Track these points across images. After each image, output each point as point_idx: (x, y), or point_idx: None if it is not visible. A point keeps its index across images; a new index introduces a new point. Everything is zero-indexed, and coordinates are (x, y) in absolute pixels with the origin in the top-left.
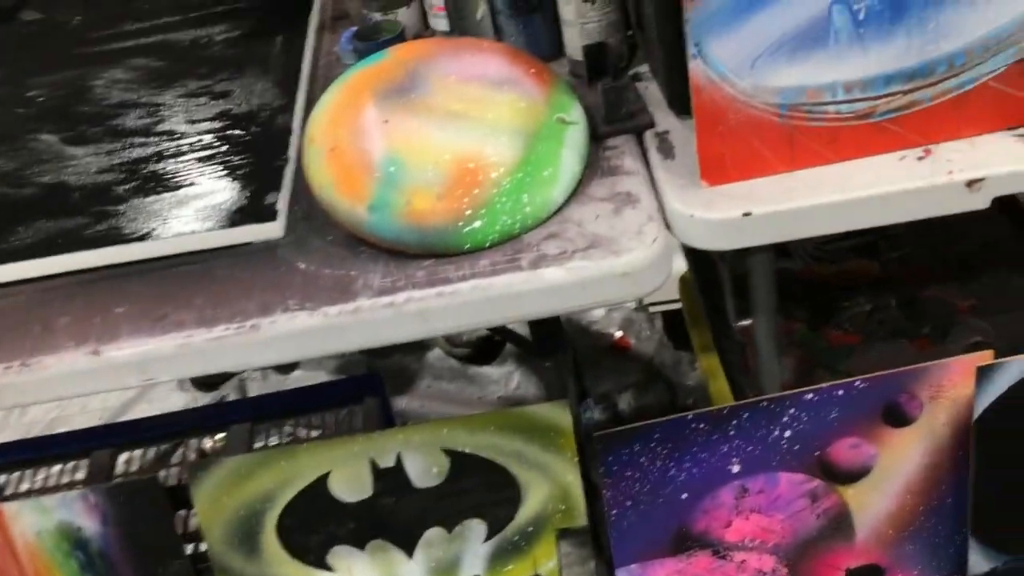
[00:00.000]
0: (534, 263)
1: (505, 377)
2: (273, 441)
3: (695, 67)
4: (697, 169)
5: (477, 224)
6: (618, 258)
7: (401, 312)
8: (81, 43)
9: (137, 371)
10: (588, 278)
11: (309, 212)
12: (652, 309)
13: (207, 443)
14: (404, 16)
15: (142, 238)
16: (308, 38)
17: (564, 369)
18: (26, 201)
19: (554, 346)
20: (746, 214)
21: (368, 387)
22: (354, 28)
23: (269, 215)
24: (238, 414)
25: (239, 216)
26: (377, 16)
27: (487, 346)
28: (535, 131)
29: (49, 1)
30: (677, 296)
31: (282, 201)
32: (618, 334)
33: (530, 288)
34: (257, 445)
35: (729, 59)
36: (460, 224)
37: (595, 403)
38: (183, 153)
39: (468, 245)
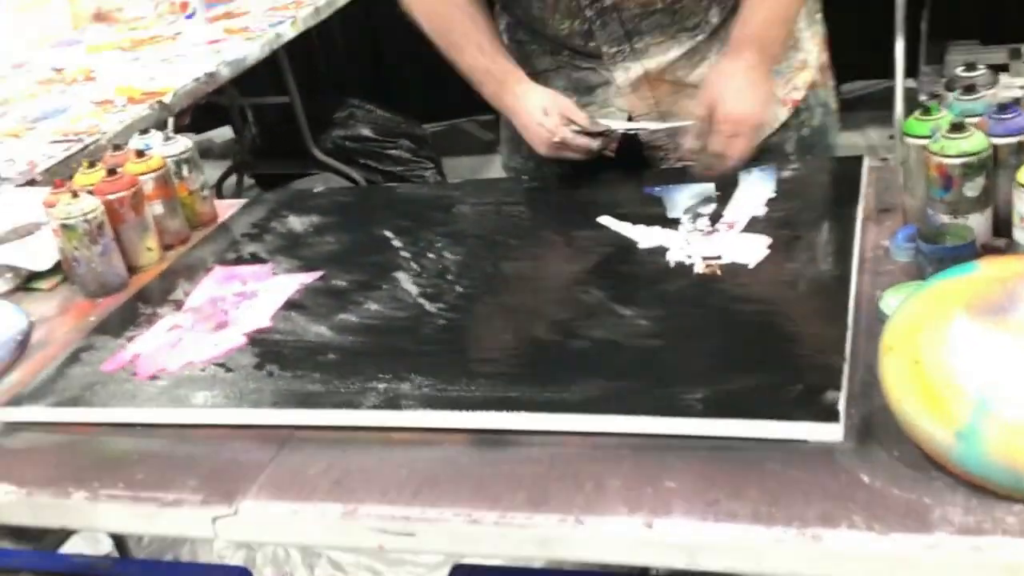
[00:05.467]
0: None
1: None
2: None
3: None
4: None
5: None
6: None
7: (988, 559)
8: (619, 204)
9: (686, 553)
10: None
11: (867, 418)
12: None
13: None
14: (975, 222)
15: (701, 414)
16: (856, 228)
17: None
18: (579, 354)
19: None
20: None
21: None
22: (912, 226)
23: (830, 416)
24: None
25: (798, 411)
26: (944, 219)
27: None
28: None
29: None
30: None
31: (842, 402)
32: None
33: None
34: None
35: None
36: None
37: None
38: (738, 334)
39: None
